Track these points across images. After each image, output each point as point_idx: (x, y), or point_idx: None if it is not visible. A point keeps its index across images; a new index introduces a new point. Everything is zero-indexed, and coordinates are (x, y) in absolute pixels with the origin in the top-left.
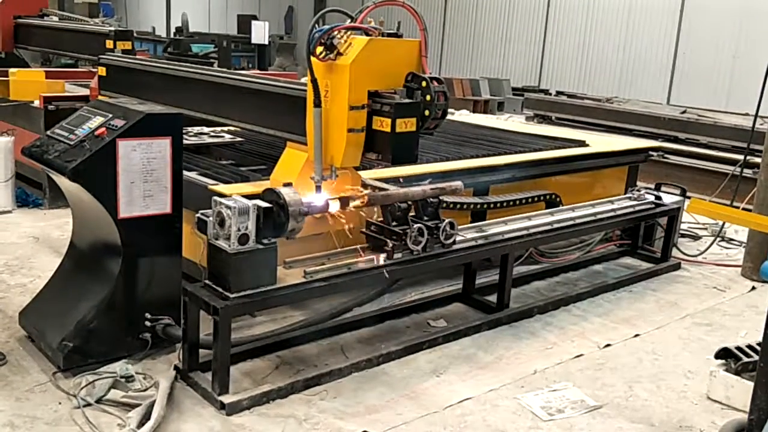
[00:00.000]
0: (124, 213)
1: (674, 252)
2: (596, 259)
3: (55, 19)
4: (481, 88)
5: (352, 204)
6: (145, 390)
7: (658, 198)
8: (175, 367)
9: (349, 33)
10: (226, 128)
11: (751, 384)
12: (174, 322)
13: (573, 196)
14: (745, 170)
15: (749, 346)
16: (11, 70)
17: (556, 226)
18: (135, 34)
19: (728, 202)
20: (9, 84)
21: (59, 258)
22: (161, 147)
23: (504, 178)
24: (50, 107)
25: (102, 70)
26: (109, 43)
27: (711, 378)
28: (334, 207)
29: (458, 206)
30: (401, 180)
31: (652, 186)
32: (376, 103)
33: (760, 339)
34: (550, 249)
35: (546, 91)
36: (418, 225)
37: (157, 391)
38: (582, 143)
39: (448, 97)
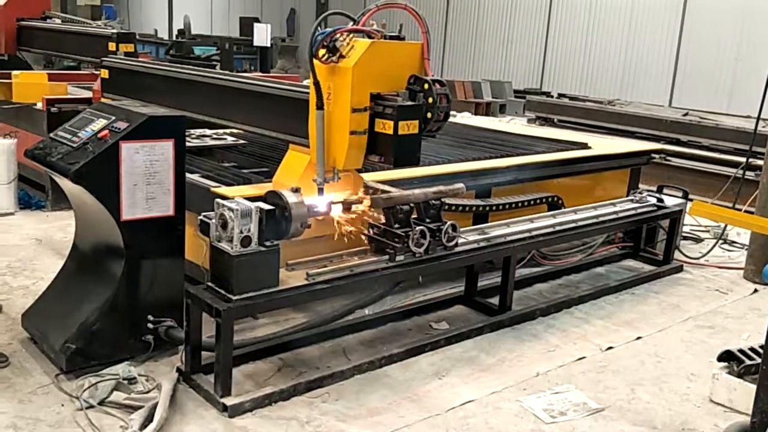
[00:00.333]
0: (126, 215)
1: (676, 254)
2: (598, 262)
3: (58, 21)
4: (483, 90)
5: (354, 207)
6: (147, 392)
7: (660, 200)
8: (178, 369)
9: (351, 35)
10: (228, 131)
11: (754, 387)
12: (176, 324)
13: (575, 198)
14: (748, 173)
15: (752, 349)
16: (14, 72)
17: (558, 228)
18: (137, 37)
19: (730, 205)
20: (12, 86)
21: (62, 260)
22: (164, 149)
23: (506, 180)
24: (53, 109)
25: (104, 73)
26: (112, 46)
27: (713, 381)
28: (337, 210)
29: (460, 208)
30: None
31: (654, 188)
32: (379, 105)
33: (762, 342)
34: (552, 251)
35: (548, 94)
36: (421, 227)
37: (160, 393)
38: (584, 146)
39: (451, 99)
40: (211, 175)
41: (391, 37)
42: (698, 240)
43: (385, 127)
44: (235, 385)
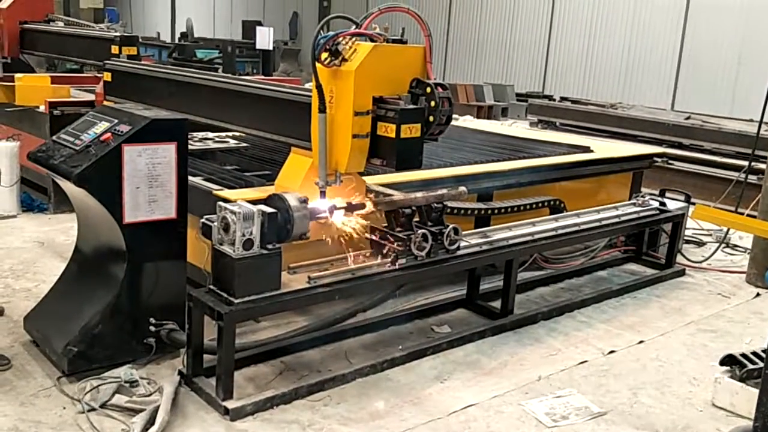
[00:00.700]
0: (129, 218)
1: (679, 258)
2: (600, 265)
3: (61, 24)
4: (485, 93)
5: (356, 210)
6: (149, 395)
7: (663, 204)
8: (180, 372)
9: (354, 39)
10: (230, 133)
11: (756, 391)
12: (178, 327)
13: (577, 201)
14: (750, 176)
15: (754, 353)
16: (17, 75)
17: (560, 232)
18: (140, 40)
19: (733, 209)
20: (15, 89)
21: (64, 263)
22: (166, 152)
23: (508, 183)
24: (55, 112)
25: (107, 76)
26: (115, 49)
27: (716, 385)
28: (339, 213)
29: (462, 212)
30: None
31: (656, 192)
32: (381, 108)
33: (764, 346)
34: (554, 255)
35: (550, 97)
36: (423, 230)
37: (161, 396)
38: (587, 149)
39: (453, 103)
40: (214, 178)
41: (394, 41)
42: (700, 244)
43: (387, 130)
44: (237, 388)
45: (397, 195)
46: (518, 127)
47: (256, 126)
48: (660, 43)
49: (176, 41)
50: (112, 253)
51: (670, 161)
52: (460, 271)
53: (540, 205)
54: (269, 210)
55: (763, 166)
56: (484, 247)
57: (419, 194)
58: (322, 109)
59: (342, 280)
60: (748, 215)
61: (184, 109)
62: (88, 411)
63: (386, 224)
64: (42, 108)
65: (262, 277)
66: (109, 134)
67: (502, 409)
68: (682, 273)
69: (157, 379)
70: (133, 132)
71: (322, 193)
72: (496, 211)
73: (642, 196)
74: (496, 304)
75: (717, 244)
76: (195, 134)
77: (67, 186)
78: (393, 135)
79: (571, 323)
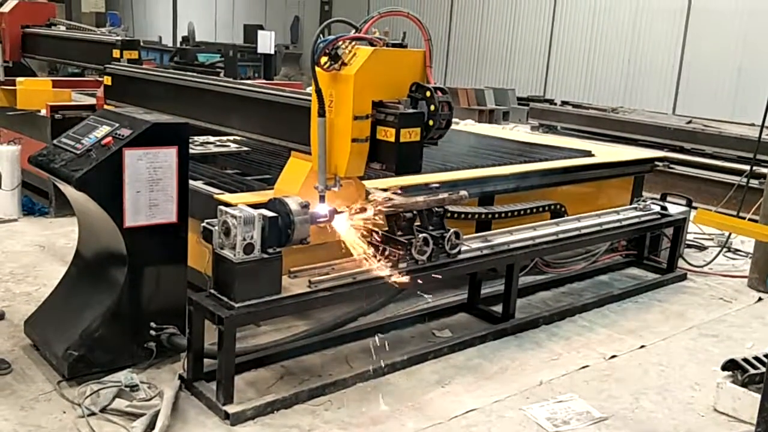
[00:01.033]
0: (129, 222)
1: (680, 262)
2: (602, 270)
3: (63, 28)
4: (486, 97)
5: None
6: (149, 399)
7: (664, 208)
8: (180, 377)
9: (353, 43)
10: (231, 137)
11: (758, 396)
12: (179, 331)
13: (578, 205)
14: (752, 181)
15: (756, 358)
16: (18, 79)
17: (561, 236)
18: (142, 44)
19: (734, 213)
20: (16, 93)
21: (65, 267)
22: (167, 156)
23: (509, 187)
24: (57, 116)
25: (107, 80)
26: (116, 53)
27: (718, 390)
28: (340, 217)
29: (462, 216)
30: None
31: (658, 196)
32: (381, 113)
33: (766, 350)
34: (555, 259)
35: (551, 101)
36: (424, 235)
37: (162, 400)
38: (588, 153)
39: (453, 107)
40: (214, 182)
41: (394, 45)
42: (702, 248)
43: (386, 134)
44: (237, 392)
45: (398, 199)
46: (519, 131)
47: (255, 130)
48: (661, 47)
49: (178, 45)
50: (113, 257)
51: (671, 165)
52: (461, 275)
53: (541, 209)
54: (270, 214)
55: (764, 170)
56: (486, 252)
57: (420, 198)
58: (322, 114)
59: (342, 284)
60: (749, 219)
61: (184, 113)
62: (89, 415)
63: (387, 229)
64: (43, 112)
65: (262, 282)
66: (110, 138)
67: (504, 414)
68: (683, 277)
69: (158, 384)
70: (134, 136)
71: (322, 198)
72: (496, 216)
73: (643, 201)
74: (498, 308)
75: (719, 249)
76: (196, 138)
77: (68, 190)
78: (392, 139)
79: (572, 328)
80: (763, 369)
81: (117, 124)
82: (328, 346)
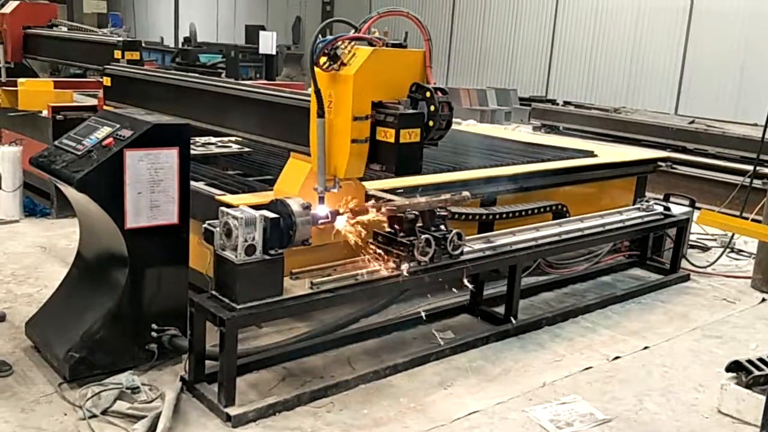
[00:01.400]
0: (131, 223)
1: (683, 263)
2: (605, 271)
3: (64, 29)
4: (488, 98)
5: (359, 216)
6: (151, 401)
7: (667, 209)
8: (181, 379)
9: (353, 43)
10: (232, 138)
11: (763, 398)
12: (180, 332)
13: (581, 206)
14: (755, 181)
15: (760, 359)
16: (20, 80)
17: (564, 237)
18: (143, 44)
19: (737, 213)
20: (18, 94)
21: (66, 268)
22: (169, 157)
23: (512, 188)
24: (58, 117)
25: (107, 80)
26: (118, 54)
27: (722, 391)
28: (341, 218)
29: (464, 217)
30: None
31: (661, 196)
32: (380, 113)
33: None
34: (558, 260)
35: (553, 101)
36: (426, 236)
37: (163, 402)
38: (590, 153)
39: (453, 107)
40: (216, 183)
41: (393, 45)
42: (705, 249)
43: (386, 135)
44: (239, 394)
45: (400, 200)
46: (522, 132)
47: (254, 131)
48: (663, 47)
49: (179, 46)
50: (114, 258)
51: (674, 166)
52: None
53: (543, 210)
54: (272, 215)
55: (767, 170)
56: (488, 253)
57: (422, 199)
58: (321, 114)
59: (344, 285)
60: (752, 220)
61: (184, 114)
62: (90, 417)
63: (389, 229)
64: (45, 113)
65: (264, 283)
66: (111, 139)
67: (506, 416)
68: (686, 278)
69: (159, 386)
70: (135, 137)
71: (321, 199)
72: (498, 216)
73: (646, 201)
74: (500, 309)
75: (722, 249)
76: (198, 139)
77: (69, 191)
78: (392, 140)
79: (575, 329)
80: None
81: (118, 125)
82: (329, 348)
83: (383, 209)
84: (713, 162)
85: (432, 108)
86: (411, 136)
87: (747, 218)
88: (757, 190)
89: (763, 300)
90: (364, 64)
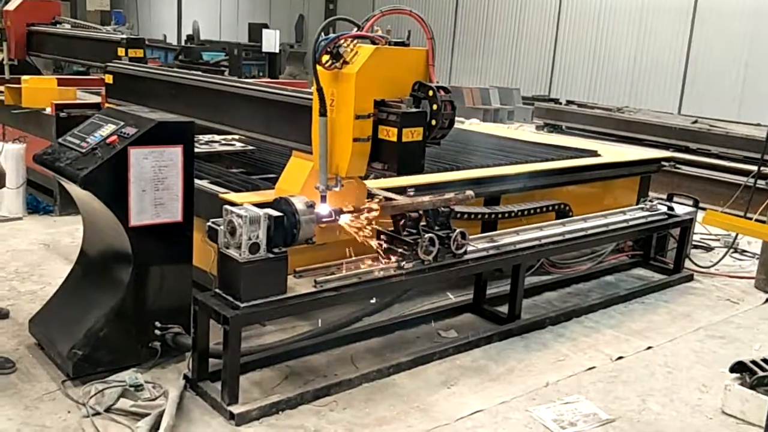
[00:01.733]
0: (135, 221)
1: (687, 263)
2: (608, 270)
3: (68, 26)
4: (491, 97)
5: (364, 214)
6: (154, 399)
7: (671, 209)
8: (185, 377)
9: (355, 41)
10: (236, 136)
11: (767, 399)
12: (184, 330)
13: (584, 206)
14: (759, 181)
15: (764, 360)
16: (24, 77)
17: (568, 236)
18: (146, 42)
19: (740, 213)
20: (21, 91)
21: (69, 265)
22: (173, 155)
23: (516, 187)
24: (62, 114)
25: (108, 78)
26: (121, 51)
27: (726, 392)
28: (345, 217)
29: (466, 216)
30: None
31: (664, 196)
32: (383, 112)
33: None
34: (561, 260)
35: (556, 101)
36: (430, 235)
37: (167, 400)
38: (594, 153)
39: (456, 106)
40: (220, 181)
41: (396, 43)
42: (708, 248)
43: (388, 134)
44: (242, 392)
45: (403, 199)
46: (525, 131)
47: (256, 129)
48: (667, 46)
49: (182, 44)
50: (118, 256)
51: (677, 165)
52: (466, 275)
53: (546, 209)
54: (276, 214)
55: None
56: (492, 252)
57: (426, 198)
58: (323, 113)
59: (348, 284)
60: (756, 220)
61: (185, 112)
62: (93, 415)
63: (393, 228)
64: (48, 110)
65: (268, 281)
66: (115, 137)
67: (510, 416)
68: (690, 278)
69: (163, 384)
70: (140, 135)
71: (323, 198)
72: (501, 216)
73: (650, 201)
74: (503, 308)
75: (725, 250)
76: (201, 137)
77: (73, 189)
78: (395, 139)
79: (578, 328)
80: None
81: (122, 123)
82: (333, 346)
83: (387, 208)
84: (717, 162)
85: (435, 107)
86: (413, 134)
87: (751, 218)
88: (760, 191)
89: (767, 300)
90: (367, 63)
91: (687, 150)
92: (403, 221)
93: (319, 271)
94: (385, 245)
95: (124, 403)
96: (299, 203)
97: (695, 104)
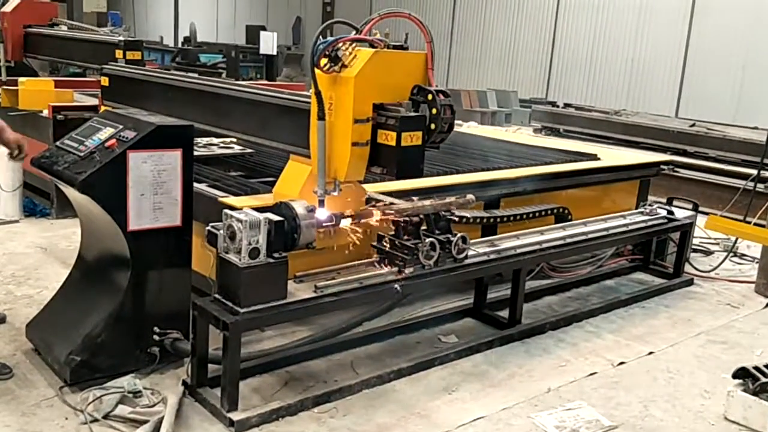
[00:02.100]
0: (133, 225)
1: (686, 267)
2: (608, 275)
3: (65, 28)
4: (489, 99)
5: (364, 219)
6: (153, 406)
7: (671, 213)
8: (184, 383)
9: (354, 45)
10: (234, 139)
11: None
12: (183, 336)
13: (583, 209)
14: (758, 185)
15: (767, 366)
16: (20, 79)
17: (569, 241)
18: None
19: (738, 216)
20: (18, 93)
21: (66, 269)
22: (172, 159)
23: (516, 191)
24: (59, 117)
25: (104, 80)
26: (119, 53)
27: (729, 398)
28: (346, 221)
29: (464, 220)
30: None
31: (661, 200)
32: (381, 116)
33: None
34: (560, 263)
35: (553, 103)
36: (431, 239)
37: (165, 407)
38: (593, 157)
39: (455, 110)
40: (218, 185)
41: (395, 47)
42: (708, 252)
43: (387, 138)
44: (242, 399)
45: (403, 203)
46: (523, 134)
47: (252, 132)
48: (664, 49)
49: (179, 45)
50: (116, 260)
51: (676, 169)
52: (467, 280)
53: (545, 213)
54: (276, 218)
55: None
56: (492, 256)
57: (427, 202)
58: (321, 117)
59: (349, 289)
60: (755, 224)
61: (182, 115)
62: (91, 422)
63: (393, 233)
64: (45, 112)
65: (268, 287)
66: (114, 140)
67: (512, 422)
68: (690, 282)
69: (161, 390)
70: (139, 138)
71: (321, 202)
72: (500, 220)
73: (650, 205)
74: (503, 313)
75: (725, 254)
76: (199, 140)
77: (71, 193)
78: (393, 143)
79: (579, 333)
80: None
81: (121, 126)
82: (333, 352)
83: (387, 212)
84: (715, 165)
85: (434, 111)
86: (412, 139)
87: (749, 222)
88: (759, 194)
89: (767, 305)
90: (366, 66)
91: (684, 153)
92: (404, 225)
93: (319, 276)
94: (386, 249)
95: (123, 410)
96: (299, 207)
97: (692, 107)
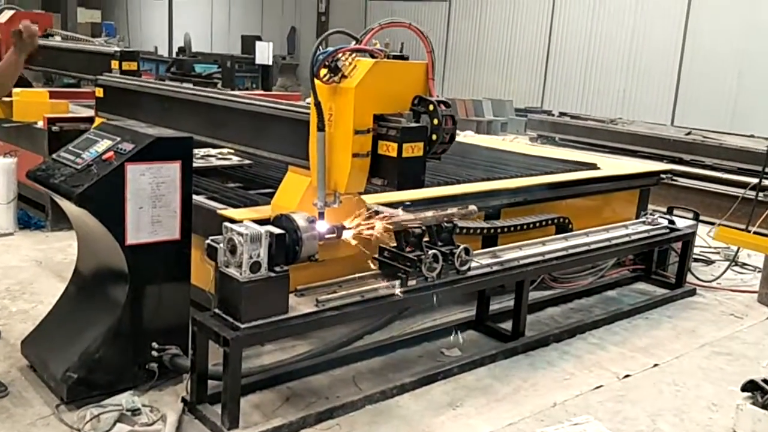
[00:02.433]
0: (131, 239)
1: (688, 277)
2: (609, 285)
3: (59, 39)
4: (484, 108)
5: (366, 231)
6: (151, 424)
7: (672, 222)
8: (183, 400)
9: (354, 55)
10: (232, 150)
11: None
12: (182, 351)
13: (583, 219)
14: (753, 193)
15: None
16: (15, 90)
17: (571, 251)
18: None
19: (737, 225)
20: (12, 104)
21: (62, 283)
22: (171, 171)
23: (517, 201)
24: (54, 128)
25: (99, 91)
26: (115, 64)
27: (738, 411)
28: (348, 234)
29: (464, 231)
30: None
31: (660, 209)
32: (382, 127)
33: None
34: (562, 274)
35: (549, 112)
36: (434, 251)
37: (165, 425)
38: (593, 166)
39: (456, 121)
40: (217, 197)
41: (395, 57)
42: (709, 262)
43: (388, 149)
44: (243, 415)
45: (405, 215)
46: (520, 143)
47: (250, 143)
48: (659, 58)
49: (174, 55)
50: (114, 275)
51: (674, 177)
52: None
53: (546, 223)
54: (277, 231)
55: None
56: (495, 268)
57: (430, 213)
58: (321, 128)
59: (351, 303)
60: (755, 233)
61: (177, 126)
62: None
63: (395, 245)
64: (40, 124)
65: (269, 301)
66: (111, 153)
67: None
68: (692, 293)
69: (160, 407)
70: (137, 150)
71: (321, 215)
72: (501, 230)
73: (651, 215)
74: (506, 325)
75: (727, 263)
76: (197, 151)
77: (68, 206)
78: (394, 154)
79: (583, 345)
80: None
81: (118, 138)
82: (334, 366)
83: (388, 224)
84: (713, 174)
85: (435, 121)
86: (414, 150)
87: (750, 231)
88: (759, 203)
89: None
90: (366, 77)
91: (681, 161)
92: (406, 237)
93: (320, 289)
94: (387, 262)
95: (121, 428)
96: (300, 220)
97: (688, 115)
